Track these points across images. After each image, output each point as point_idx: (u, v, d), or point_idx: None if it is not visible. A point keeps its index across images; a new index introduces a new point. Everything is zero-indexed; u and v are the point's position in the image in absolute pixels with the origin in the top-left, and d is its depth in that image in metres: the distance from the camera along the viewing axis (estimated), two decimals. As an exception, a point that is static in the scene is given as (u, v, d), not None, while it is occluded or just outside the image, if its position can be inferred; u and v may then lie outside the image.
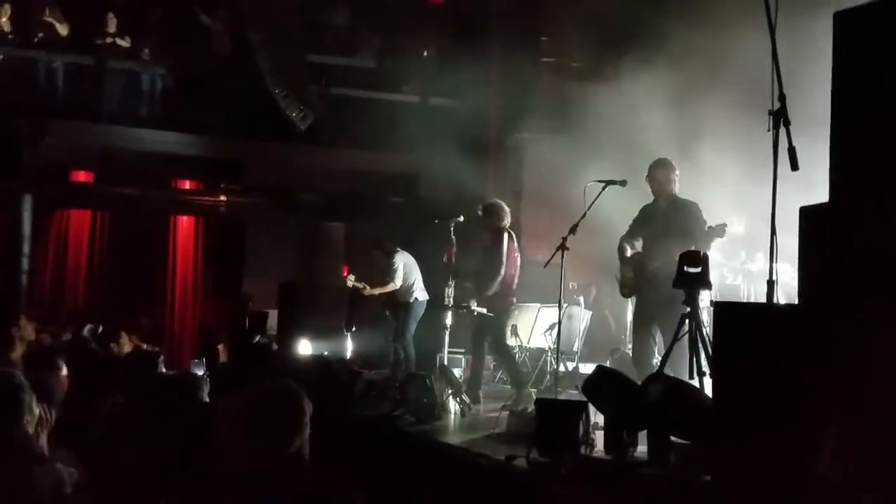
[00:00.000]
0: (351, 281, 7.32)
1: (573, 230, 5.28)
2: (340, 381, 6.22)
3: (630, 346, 6.13)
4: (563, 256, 5.30)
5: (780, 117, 3.32)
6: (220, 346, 8.46)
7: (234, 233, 10.99)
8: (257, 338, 8.50)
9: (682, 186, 5.32)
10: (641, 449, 3.98)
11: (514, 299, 6.31)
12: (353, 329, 7.99)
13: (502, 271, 6.00)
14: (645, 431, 3.96)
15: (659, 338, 5.17)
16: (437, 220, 7.17)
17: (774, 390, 2.94)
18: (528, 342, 7.12)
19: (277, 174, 10.39)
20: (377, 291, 7.28)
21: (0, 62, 9.42)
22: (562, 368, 6.06)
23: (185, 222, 11.02)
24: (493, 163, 9.79)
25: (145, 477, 2.99)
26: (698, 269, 4.39)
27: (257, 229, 10.86)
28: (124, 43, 9.99)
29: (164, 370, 4.24)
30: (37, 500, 2.48)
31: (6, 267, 9.43)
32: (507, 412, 5.05)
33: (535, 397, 5.45)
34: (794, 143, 3.29)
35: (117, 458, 3.15)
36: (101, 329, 7.40)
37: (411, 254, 7.43)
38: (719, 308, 3.49)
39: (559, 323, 5.61)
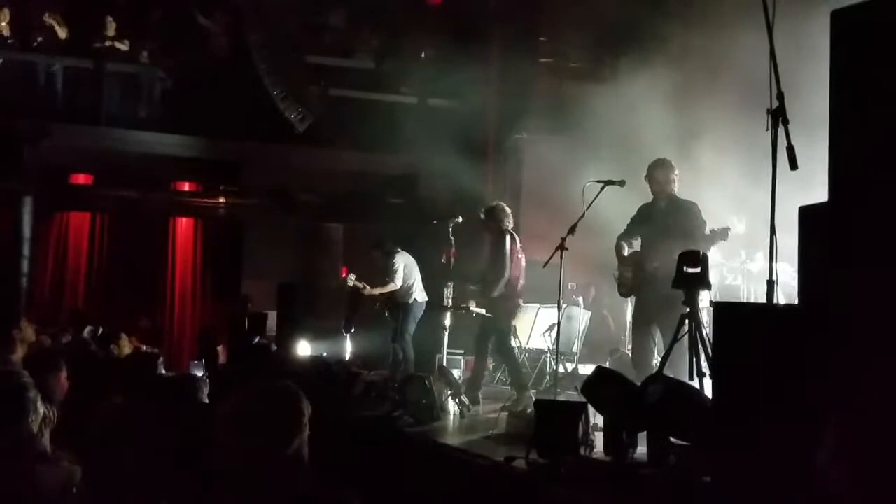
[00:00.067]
0: (351, 280, 7.32)
1: (572, 230, 5.28)
2: (339, 382, 6.23)
3: (629, 346, 6.12)
4: (561, 257, 5.30)
5: (778, 116, 3.33)
6: (220, 348, 8.47)
7: (233, 234, 10.99)
8: (256, 339, 8.50)
9: (681, 186, 5.32)
10: (641, 450, 3.98)
11: (520, 301, 6.29)
12: (352, 330, 7.98)
13: (506, 274, 6.01)
14: (644, 432, 3.96)
15: (658, 338, 5.17)
16: (436, 220, 7.17)
17: (774, 391, 2.94)
18: (528, 343, 7.12)
19: (276, 175, 10.39)
20: (377, 291, 7.28)
21: (0, 65, 9.43)
22: (561, 369, 6.06)
23: (184, 224, 11.02)
24: (492, 163, 9.79)
25: (145, 478, 2.99)
26: (698, 270, 4.39)
27: (256, 231, 10.86)
28: (123, 46, 9.99)
29: (163, 371, 4.24)
30: (43, 498, 2.49)
31: (6, 269, 9.44)
32: (507, 413, 5.05)
33: (534, 398, 5.45)
34: (792, 142, 3.29)
35: (117, 459, 3.15)
36: (101, 331, 7.41)
37: (410, 254, 7.43)
38: (719, 308, 3.48)
39: (558, 324, 5.61)
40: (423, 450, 4.73)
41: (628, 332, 6.56)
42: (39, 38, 9.68)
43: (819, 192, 3.06)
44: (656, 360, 4.99)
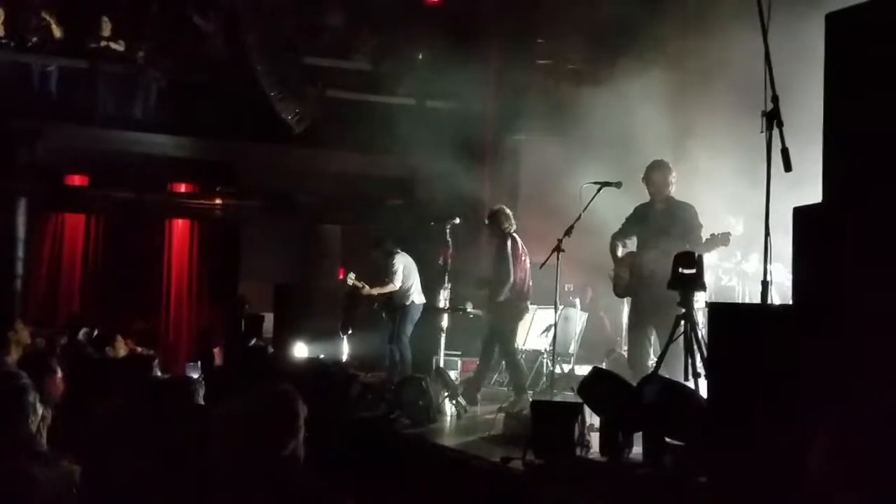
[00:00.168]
0: (351, 279, 7.32)
1: (569, 232, 5.30)
2: (336, 383, 6.22)
3: (625, 347, 6.13)
4: (558, 258, 5.32)
5: (773, 118, 3.34)
6: (216, 350, 8.44)
7: (229, 236, 10.97)
8: (253, 341, 8.49)
9: (678, 188, 5.34)
10: (637, 450, 3.99)
11: (527, 304, 6.27)
12: (349, 332, 7.98)
13: (511, 278, 6.02)
14: (640, 433, 3.97)
15: (654, 339, 5.18)
16: (434, 222, 7.18)
17: (769, 391, 2.95)
18: (525, 344, 7.13)
19: (273, 177, 10.38)
20: (376, 291, 7.28)
21: (-6, 66, 9.42)
22: (558, 370, 6.07)
23: (180, 225, 10.99)
24: (490, 165, 9.80)
25: (141, 480, 2.98)
26: (693, 271, 4.40)
27: (253, 232, 10.84)
28: (118, 47, 9.97)
29: (158, 373, 4.23)
30: (42, 499, 2.49)
31: (0, 270, 9.40)
32: (504, 414, 5.05)
33: (530, 399, 5.46)
34: (787, 145, 3.30)
35: (113, 461, 3.14)
36: (96, 332, 7.38)
37: (409, 256, 7.43)
38: (713, 309, 3.50)
39: (555, 325, 5.62)
40: (420, 451, 4.74)
41: (624, 333, 6.57)
42: (34, 39, 9.65)
43: (814, 193, 3.07)
44: (652, 361, 5.00)
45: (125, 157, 9.83)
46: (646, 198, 5.40)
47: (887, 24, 2.82)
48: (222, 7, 10.11)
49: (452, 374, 6.50)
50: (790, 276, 3.26)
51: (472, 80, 9.11)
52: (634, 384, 4.27)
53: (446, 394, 5.63)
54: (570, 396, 5.26)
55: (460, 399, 5.68)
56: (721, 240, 4.88)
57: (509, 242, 6.11)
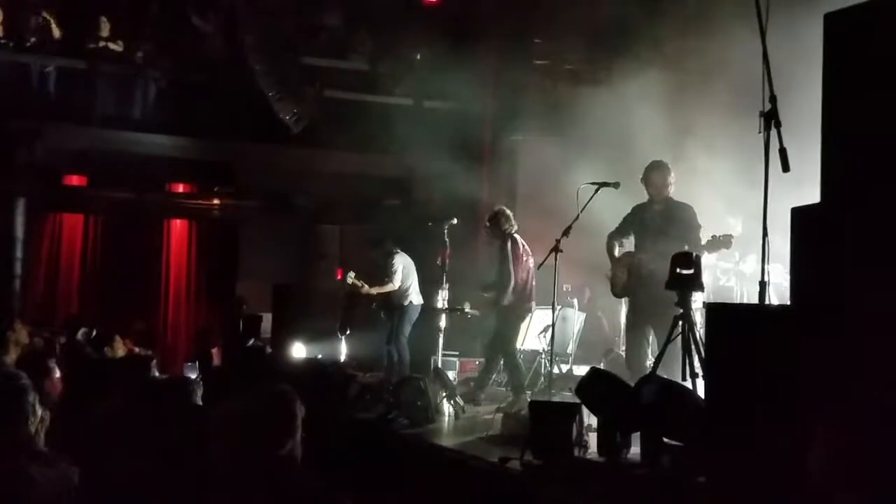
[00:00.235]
0: (351, 278, 7.32)
1: (566, 232, 5.30)
2: (334, 384, 6.21)
3: (623, 347, 6.14)
4: (556, 258, 5.32)
5: (771, 119, 3.35)
6: (214, 350, 8.43)
7: (227, 236, 10.96)
8: (251, 341, 8.48)
9: (676, 188, 5.34)
10: (635, 450, 3.99)
11: (530, 304, 6.27)
12: (348, 332, 7.98)
13: (513, 280, 6.02)
14: (638, 433, 3.97)
15: (652, 339, 5.19)
16: (431, 222, 7.18)
17: (766, 391, 2.95)
18: (523, 344, 7.13)
19: (271, 177, 10.37)
20: (374, 291, 7.29)
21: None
22: (556, 370, 6.08)
23: (178, 226, 10.98)
24: (487, 165, 9.79)
25: (139, 480, 2.98)
26: (691, 271, 4.40)
27: (251, 232, 10.83)
28: (117, 47, 9.96)
29: (156, 374, 4.23)
30: (41, 500, 2.48)
31: (-1, 271, 9.40)
32: (502, 414, 5.06)
33: (529, 400, 5.46)
34: (784, 145, 3.31)
35: (111, 461, 3.14)
36: (94, 333, 7.38)
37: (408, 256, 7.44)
38: (711, 310, 3.51)
39: (553, 325, 5.62)
40: (418, 451, 4.74)
41: (622, 334, 6.58)
42: (33, 39, 9.64)
43: (812, 194, 3.08)
44: (650, 361, 5.01)
45: (124, 158, 9.82)
46: (644, 198, 5.40)
47: (885, 25, 2.83)
48: (221, 7, 10.11)
49: (450, 375, 6.51)
50: (788, 277, 3.26)
51: (470, 81, 9.11)
52: (632, 384, 4.27)
53: (444, 394, 5.64)
54: (569, 397, 5.27)
55: (458, 399, 5.68)
56: (723, 242, 4.89)
57: (509, 243, 6.12)
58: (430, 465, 4.47)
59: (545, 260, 5.38)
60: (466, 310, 6.80)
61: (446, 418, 5.55)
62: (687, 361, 4.26)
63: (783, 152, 3.30)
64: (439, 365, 6.56)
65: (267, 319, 9.14)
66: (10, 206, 9.52)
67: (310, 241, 10.76)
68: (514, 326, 6.24)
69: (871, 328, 2.69)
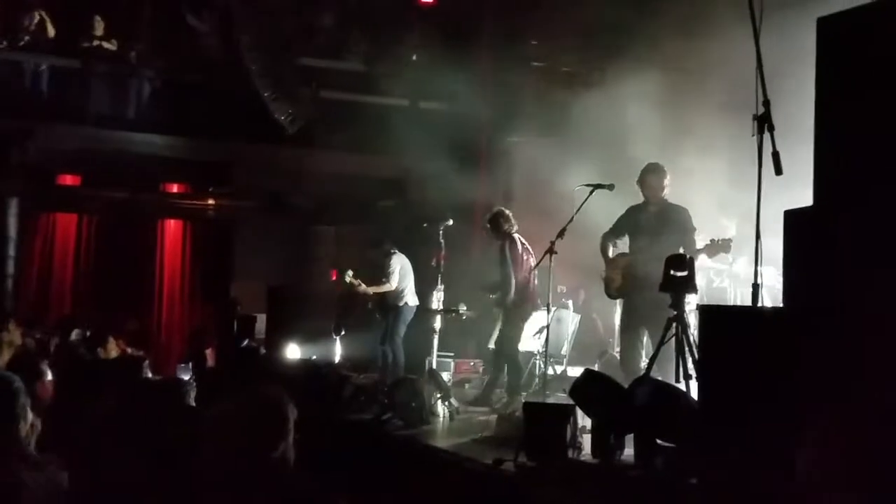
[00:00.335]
0: (349, 277, 7.32)
1: (561, 234, 5.31)
2: (329, 385, 6.21)
3: (618, 349, 6.15)
4: (551, 260, 5.33)
5: (764, 122, 3.36)
6: (208, 351, 8.41)
7: (222, 236, 10.93)
8: (245, 342, 8.47)
9: (671, 190, 5.35)
10: (628, 452, 4.00)
11: (532, 305, 6.25)
12: (342, 333, 7.97)
13: (513, 281, 6.02)
14: (632, 434, 3.98)
15: (646, 341, 5.20)
16: (427, 223, 7.18)
17: (760, 393, 2.96)
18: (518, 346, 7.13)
19: (266, 177, 10.35)
20: (371, 290, 7.29)
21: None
22: (550, 372, 6.08)
23: (172, 226, 10.95)
24: (483, 166, 9.80)
25: (132, 481, 2.97)
26: (684, 273, 4.42)
27: (246, 233, 10.81)
28: (111, 46, 9.93)
29: (149, 375, 4.21)
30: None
31: (-8, 271, 9.36)
32: (496, 416, 5.06)
33: (523, 401, 5.47)
34: (777, 149, 3.32)
35: (104, 462, 3.13)
36: (88, 334, 7.35)
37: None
38: (704, 311, 3.52)
39: (548, 326, 5.63)
40: (413, 452, 4.73)
41: (617, 335, 6.59)
42: (26, 38, 9.60)
43: (805, 196, 3.09)
44: (644, 363, 5.01)
45: (118, 157, 9.78)
46: (639, 199, 5.41)
47: (879, 28, 2.84)
48: (216, 7, 10.09)
49: (445, 376, 6.50)
50: (781, 279, 3.27)
51: (466, 82, 9.12)
52: (626, 386, 4.28)
53: (439, 395, 5.64)
54: (563, 398, 5.27)
55: (453, 400, 5.69)
56: (722, 246, 4.90)
57: (508, 244, 6.12)
58: (425, 467, 4.47)
59: (540, 261, 5.39)
60: (461, 311, 6.80)
61: (441, 420, 5.55)
62: (680, 363, 4.27)
63: (776, 156, 3.32)
64: (434, 366, 6.56)
65: (261, 320, 9.13)
66: (3, 205, 9.49)
67: (305, 242, 10.75)
68: (516, 326, 6.24)
69: (864, 330, 2.71)
